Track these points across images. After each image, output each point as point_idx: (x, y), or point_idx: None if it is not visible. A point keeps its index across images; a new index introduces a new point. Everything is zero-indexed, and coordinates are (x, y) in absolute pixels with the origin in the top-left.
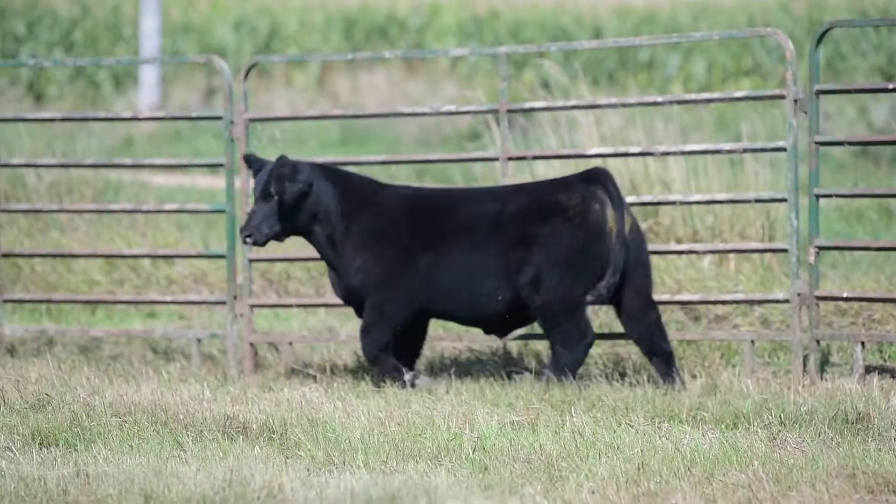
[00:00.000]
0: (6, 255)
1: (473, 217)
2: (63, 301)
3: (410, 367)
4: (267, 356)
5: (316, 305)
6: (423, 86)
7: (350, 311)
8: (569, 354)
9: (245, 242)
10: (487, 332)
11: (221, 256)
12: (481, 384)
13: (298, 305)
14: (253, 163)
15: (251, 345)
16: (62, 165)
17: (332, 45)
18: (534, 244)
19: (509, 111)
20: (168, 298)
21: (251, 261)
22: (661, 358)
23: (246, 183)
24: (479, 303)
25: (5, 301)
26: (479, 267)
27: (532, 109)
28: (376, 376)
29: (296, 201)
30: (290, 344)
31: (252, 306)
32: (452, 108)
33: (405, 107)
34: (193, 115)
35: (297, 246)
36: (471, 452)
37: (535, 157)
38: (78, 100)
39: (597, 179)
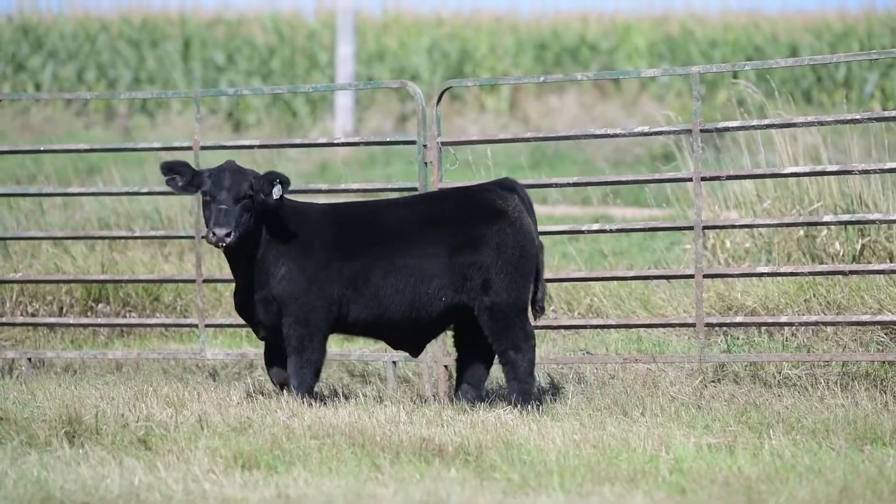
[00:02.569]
0: (207, 281)
1: (408, 224)
2: None
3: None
4: None
5: None
6: (615, 107)
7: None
8: (524, 358)
9: (220, 244)
10: (399, 347)
11: None
12: (676, 406)
13: None
14: (182, 168)
15: (445, 367)
16: None
17: (523, 68)
18: (482, 247)
19: (703, 131)
20: None
21: None
22: (475, 390)
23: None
24: (420, 308)
25: (207, 326)
26: (421, 272)
27: (726, 129)
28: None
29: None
30: None
31: None
32: (645, 128)
33: (597, 128)
34: (388, 139)
35: None
36: (667, 475)
37: (730, 177)
38: (275, 126)
39: (513, 189)
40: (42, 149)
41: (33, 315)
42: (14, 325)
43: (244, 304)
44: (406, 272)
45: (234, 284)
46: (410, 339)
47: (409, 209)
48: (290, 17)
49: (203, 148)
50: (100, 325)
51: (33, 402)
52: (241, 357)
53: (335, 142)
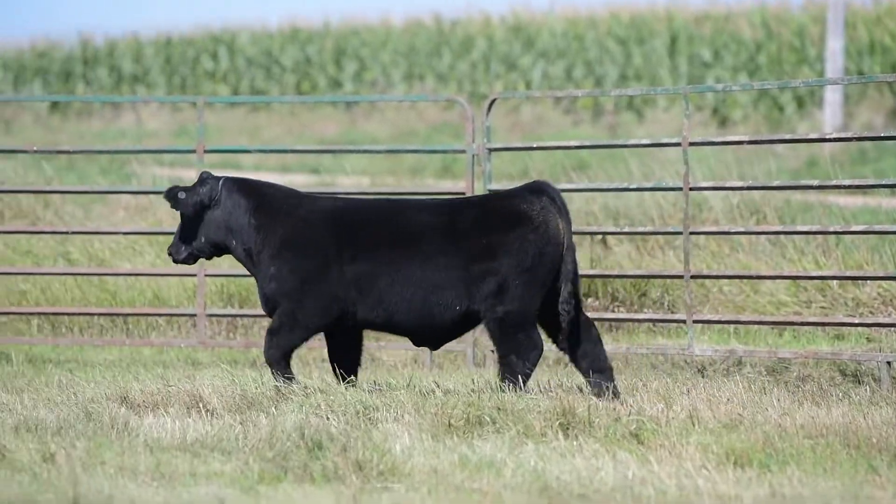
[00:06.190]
0: (695, 277)
1: (419, 227)
2: (750, 322)
3: (352, 374)
4: None
5: None
6: None
7: None
8: (525, 365)
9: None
10: (420, 343)
11: None
12: None
13: None
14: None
15: None
16: (751, 188)
17: None
18: (499, 253)
19: None
20: (856, 320)
21: None
22: (602, 374)
23: None
24: (432, 313)
25: (695, 322)
26: (434, 278)
27: None
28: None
29: (201, 216)
30: None
31: None
32: None
33: None
34: (880, 135)
35: None
36: None
37: None
38: (760, 122)
39: (544, 191)
40: (535, 146)
41: None
42: None
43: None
44: (423, 279)
45: (721, 280)
46: (433, 338)
47: (428, 212)
48: (778, 11)
49: (691, 144)
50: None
51: (528, 394)
52: (729, 353)
53: (825, 137)
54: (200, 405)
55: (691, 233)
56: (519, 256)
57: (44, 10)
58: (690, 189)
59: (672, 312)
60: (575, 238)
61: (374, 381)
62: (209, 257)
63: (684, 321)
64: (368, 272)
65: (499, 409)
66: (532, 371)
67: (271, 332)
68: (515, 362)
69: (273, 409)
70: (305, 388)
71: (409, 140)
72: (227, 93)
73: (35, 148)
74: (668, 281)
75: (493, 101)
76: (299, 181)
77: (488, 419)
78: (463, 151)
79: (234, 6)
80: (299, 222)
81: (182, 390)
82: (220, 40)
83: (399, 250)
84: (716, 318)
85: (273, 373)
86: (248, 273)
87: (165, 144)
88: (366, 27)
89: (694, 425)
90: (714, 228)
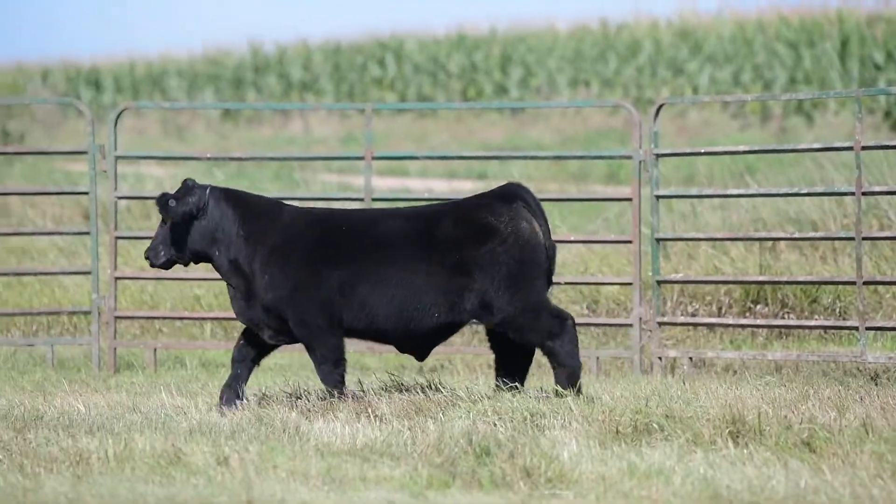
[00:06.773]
0: (867, 283)
1: (396, 237)
2: None
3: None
4: None
5: None
6: None
7: None
8: (563, 342)
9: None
10: (404, 350)
11: None
12: None
13: None
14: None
15: None
16: None
17: None
18: (471, 269)
19: None
20: None
21: None
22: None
23: None
24: (412, 321)
25: (868, 328)
26: (414, 286)
27: None
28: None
29: (186, 224)
30: None
31: None
32: None
33: None
34: None
35: None
36: None
37: None
38: None
39: (515, 196)
40: (703, 151)
41: (693, 315)
42: (675, 324)
43: (243, 312)
44: (404, 287)
45: (894, 287)
46: (415, 345)
47: (406, 222)
48: None
49: (864, 148)
50: (758, 327)
51: (696, 401)
52: None
53: None
54: (369, 410)
55: (864, 238)
56: (492, 269)
57: (216, 19)
58: (863, 193)
59: (844, 319)
60: (744, 243)
61: (541, 388)
62: (187, 264)
63: (857, 328)
64: (350, 280)
65: (667, 416)
66: (574, 341)
67: (310, 350)
68: (557, 349)
69: (441, 415)
70: (472, 394)
71: (573, 145)
72: (394, 99)
73: (208, 155)
74: (840, 287)
75: (660, 107)
76: (466, 187)
77: (656, 427)
78: (630, 157)
79: (402, 13)
80: (285, 229)
81: (351, 395)
82: (387, 47)
83: (376, 261)
84: (890, 324)
85: (329, 391)
86: None
87: (333, 151)
88: (532, 33)
89: (868, 434)
90: (888, 233)
